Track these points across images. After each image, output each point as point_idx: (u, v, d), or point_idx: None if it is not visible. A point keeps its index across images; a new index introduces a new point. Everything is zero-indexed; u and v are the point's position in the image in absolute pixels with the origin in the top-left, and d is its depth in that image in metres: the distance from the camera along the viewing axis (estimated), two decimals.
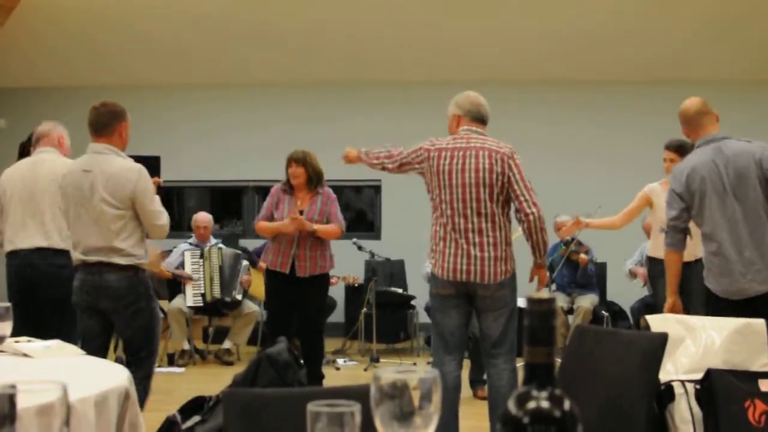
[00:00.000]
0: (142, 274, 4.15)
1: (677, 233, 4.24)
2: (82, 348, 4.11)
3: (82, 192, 4.07)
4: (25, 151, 5.53)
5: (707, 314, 4.14)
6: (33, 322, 4.37)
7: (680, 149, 5.68)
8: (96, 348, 4.08)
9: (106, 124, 4.15)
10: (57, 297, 4.40)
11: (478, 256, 3.92)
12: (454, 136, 4.04)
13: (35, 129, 4.73)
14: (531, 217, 3.97)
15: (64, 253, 4.40)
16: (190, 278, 7.61)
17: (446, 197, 3.94)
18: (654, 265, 5.87)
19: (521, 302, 5.94)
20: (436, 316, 4.05)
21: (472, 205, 3.92)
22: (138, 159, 7.43)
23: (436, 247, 4.00)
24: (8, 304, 2.32)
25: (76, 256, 4.14)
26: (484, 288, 3.95)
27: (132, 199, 4.05)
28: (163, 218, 4.16)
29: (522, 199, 3.99)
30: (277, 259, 5.68)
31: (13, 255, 4.49)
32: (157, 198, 4.23)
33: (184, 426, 3.04)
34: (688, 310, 5.74)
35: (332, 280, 7.90)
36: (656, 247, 5.80)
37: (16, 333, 3.96)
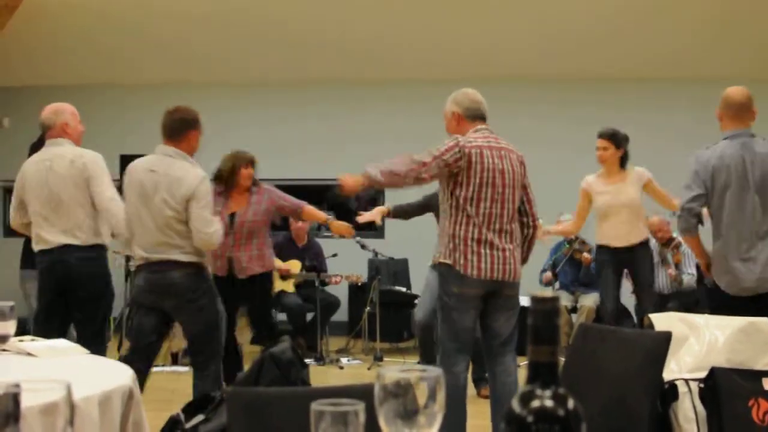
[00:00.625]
0: (205, 272, 4.27)
1: (691, 217, 4.24)
2: (133, 344, 4.31)
3: (145, 191, 4.16)
4: (34, 152, 5.49)
5: (713, 309, 4.17)
6: (66, 318, 4.41)
7: (613, 137, 5.95)
8: (146, 346, 4.23)
9: (176, 129, 4.26)
10: (89, 291, 4.43)
11: (511, 256, 3.93)
12: (484, 135, 3.96)
13: (40, 117, 4.61)
14: (538, 224, 4.07)
15: (91, 248, 4.42)
16: None
17: (488, 195, 3.87)
18: (599, 253, 6.05)
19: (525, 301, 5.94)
20: (453, 316, 3.92)
21: (509, 206, 3.92)
22: (138, 158, 7.38)
23: (466, 248, 3.87)
24: (12, 303, 2.32)
25: (138, 254, 4.23)
26: (511, 287, 3.95)
27: (188, 201, 4.10)
28: (213, 226, 4.17)
29: (532, 205, 4.07)
30: (215, 263, 5.61)
31: (41, 253, 4.48)
32: (215, 218, 4.28)
33: (188, 425, 3.04)
34: (639, 294, 6.01)
35: (336, 279, 7.92)
36: (601, 233, 6.05)
37: (46, 329, 4.01)
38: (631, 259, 5.96)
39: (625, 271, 6.09)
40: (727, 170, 4.13)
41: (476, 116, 4.03)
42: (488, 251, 3.87)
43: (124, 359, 4.18)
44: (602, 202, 5.92)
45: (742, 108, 4.25)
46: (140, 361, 4.23)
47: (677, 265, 7.49)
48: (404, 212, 5.84)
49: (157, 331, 4.32)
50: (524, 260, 4.13)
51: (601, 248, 6.08)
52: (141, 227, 4.19)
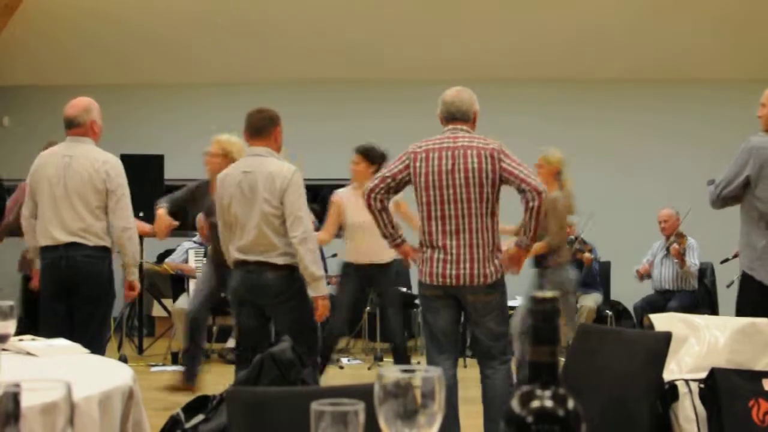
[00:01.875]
0: (297, 273, 4.32)
1: (724, 202, 4.23)
2: (240, 344, 4.47)
3: (243, 192, 4.25)
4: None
5: (752, 306, 4.14)
6: (68, 317, 4.38)
7: (366, 153, 5.83)
8: (253, 348, 4.27)
9: (262, 128, 4.38)
10: (93, 290, 4.42)
11: (468, 258, 3.86)
12: (440, 136, 3.96)
13: (66, 108, 4.50)
14: (543, 193, 3.79)
15: (97, 248, 4.41)
16: (193, 275, 7.60)
17: (436, 197, 3.86)
18: (344, 269, 6.11)
19: (519, 301, 5.92)
20: (427, 317, 4.02)
21: (463, 206, 3.84)
22: (141, 157, 7.39)
23: (423, 253, 3.96)
24: (12, 303, 2.32)
25: (234, 256, 4.32)
26: (473, 291, 3.89)
27: (284, 192, 4.19)
28: (307, 222, 4.25)
29: (528, 179, 3.81)
30: None
31: (46, 249, 4.44)
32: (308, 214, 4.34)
33: (188, 425, 3.04)
34: (383, 309, 6.00)
35: (336, 279, 7.90)
36: (348, 250, 6.01)
37: (52, 328, 3.98)
38: (377, 277, 5.92)
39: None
40: None
41: (448, 117, 4.00)
42: (439, 256, 3.88)
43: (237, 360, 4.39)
44: (351, 220, 5.84)
45: None
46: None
47: (680, 244, 7.49)
48: (177, 205, 5.57)
49: (261, 330, 4.43)
50: (532, 233, 3.89)
51: (347, 265, 6.01)
52: (240, 231, 4.28)
